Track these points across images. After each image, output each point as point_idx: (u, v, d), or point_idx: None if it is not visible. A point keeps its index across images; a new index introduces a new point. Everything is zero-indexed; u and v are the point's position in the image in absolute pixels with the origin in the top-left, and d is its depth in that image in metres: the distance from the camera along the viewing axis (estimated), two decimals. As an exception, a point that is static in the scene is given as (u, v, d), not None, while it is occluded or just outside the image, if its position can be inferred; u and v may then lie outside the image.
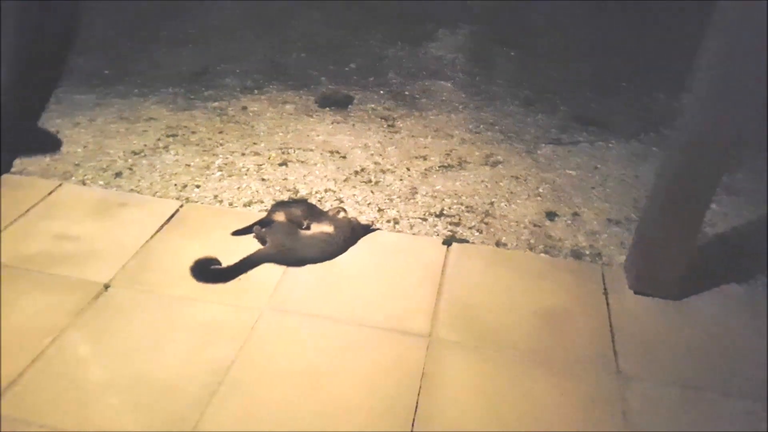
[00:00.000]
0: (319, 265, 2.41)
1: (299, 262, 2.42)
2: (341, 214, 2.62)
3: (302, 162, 3.14)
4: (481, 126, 3.59)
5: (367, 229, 2.63)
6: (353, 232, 2.57)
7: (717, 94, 1.93)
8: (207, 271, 2.33)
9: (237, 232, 2.55)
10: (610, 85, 4.09)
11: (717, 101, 1.93)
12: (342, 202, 2.83)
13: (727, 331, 2.20)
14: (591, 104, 3.90)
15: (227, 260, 2.37)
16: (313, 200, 2.82)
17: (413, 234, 2.64)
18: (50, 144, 3.08)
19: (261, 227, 2.52)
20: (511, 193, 2.96)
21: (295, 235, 2.48)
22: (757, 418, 1.89)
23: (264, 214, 2.64)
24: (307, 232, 2.51)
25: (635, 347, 2.11)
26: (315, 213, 2.62)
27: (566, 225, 2.76)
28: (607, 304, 2.29)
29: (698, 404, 1.92)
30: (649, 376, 2.00)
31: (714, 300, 2.33)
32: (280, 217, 2.55)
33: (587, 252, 2.59)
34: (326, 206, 2.78)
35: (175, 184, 2.88)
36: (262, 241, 2.48)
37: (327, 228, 2.51)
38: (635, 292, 2.34)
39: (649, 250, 2.28)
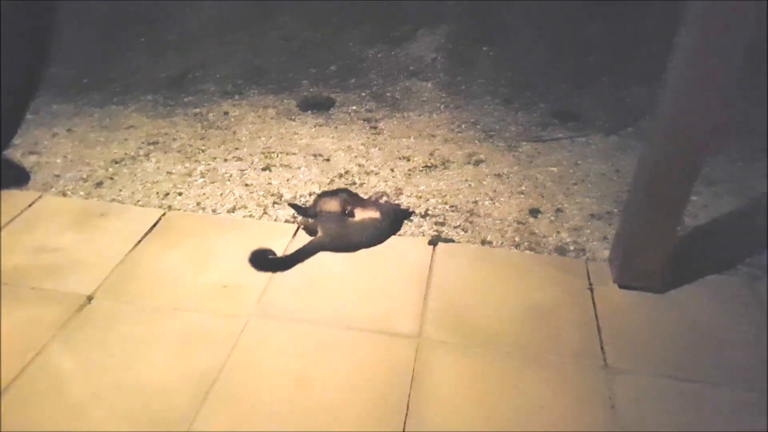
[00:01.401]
0: (305, 269, 2.40)
1: (351, 248, 2.49)
2: (383, 199, 2.71)
3: (286, 166, 3.13)
4: (463, 125, 3.61)
5: (407, 214, 2.73)
6: (396, 216, 2.66)
7: (689, 87, 1.95)
8: (266, 260, 2.39)
9: (294, 206, 2.71)
10: (588, 81, 4.13)
11: (689, 93, 1.96)
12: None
13: (711, 322, 2.23)
14: (569, 100, 3.93)
15: (210, 268, 2.37)
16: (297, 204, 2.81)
17: (399, 235, 2.64)
18: (17, 177, 2.93)
19: (308, 218, 2.60)
20: (495, 191, 2.98)
21: (345, 223, 2.55)
22: (744, 406, 1.92)
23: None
24: (356, 219, 2.57)
25: (622, 340, 2.13)
26: (358, 200, 2.69)
27: (550, 221, 2.78)
28: (593, 298, 2.31)
29: (686, 395, 1.94)
30: (636, 369, 2.02)
31: (698, 291, 2.36)
32: (325, 206, 2.61)
33: (571, 247, 2.61)
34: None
35: (157, 193, 2.86)
36: (312, 232, 2.55)
37: (373, 213, 2.58)
38: (620, 286, 2.36)
39: (631, 243, 2.30)
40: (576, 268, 2.47)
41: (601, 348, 2.10)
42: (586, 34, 4.49)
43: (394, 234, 2.62)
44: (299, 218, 2.65)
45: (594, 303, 2.29)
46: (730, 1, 1.79)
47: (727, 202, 2.96)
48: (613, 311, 2.25)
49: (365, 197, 2.77)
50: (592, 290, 2.35)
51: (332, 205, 2.61)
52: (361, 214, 2.58)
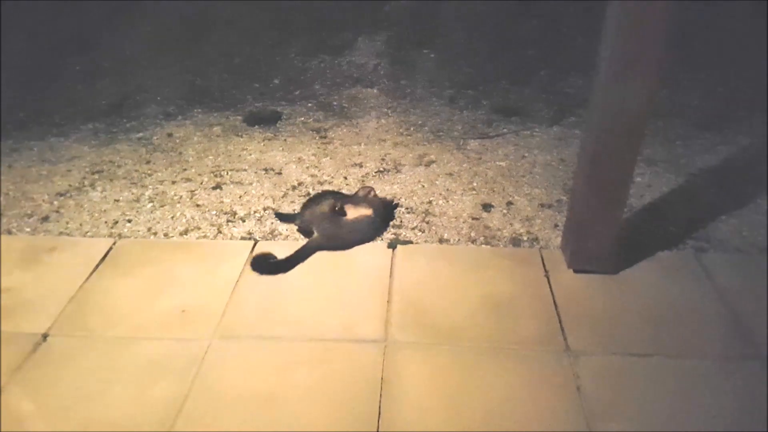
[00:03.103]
0: (264, 285, 2.38)
1: (347, 245, 2.57)
2: (371, 194, 2.75)
3: (237, 183, 3.10)
4: (411, 128, 3.65)
5: (394, 206, 2.84)
6: (386, 209, 2.74)
7: (617, 74, 2.02)
8: (266, 264, 2.45)
9: (279, 215, 2.78)
10: (527, 76, 4.24)
11: (618, 80, 2.03)
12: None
13: (663, 296, 2.31)
14: (511, 96, 4.02)
15: (167, 294, 2.33)
16: (252, 220, 2.79)
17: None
18: None
19: (302, 222, 2.66)
20: (448, 190, 3.02)
21: (339, 222, 2.60)
22: (701, 374, 1.99)
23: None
24: (350, 217, 2.61)
25: (581, 323, 2.19)
26: (347, 198, 2.73)
27: (502, 214, 2.83)
28: (550, 285, 2.37)
29: (648, 370, 2.01)
30: (597, 350, 2.08)
31: (649, 269, 2.44)
32: (316, 208, 2.64)
33: (525, 238, 2.67)
34: (267, 224, 2.76)
35: (106, 222, 2.79)
36: (307, 233, 2.61)
37: (365, 210, 2.64)
38: (574, 271, 2.42)
39: (580, 228, 2.37)
40: (531, 258, 2.53)
41: (562, 332, 2.15)
42: (521, 30, 4.62)
43: (387, 227, 2.71)
44: (297, 222, 2.71)
45: (551, 289, 2.34)
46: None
47: (669, 180, 3.08)
48: (569, 296, 2.31)
49: (354, 194, 2.82)
50: (548, 277, 2.41)
51: (323, 206, 2.65)
52: (353, 212, 2.63)
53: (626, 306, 2.27)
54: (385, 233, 2.69)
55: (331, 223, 2.60)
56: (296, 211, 2.81)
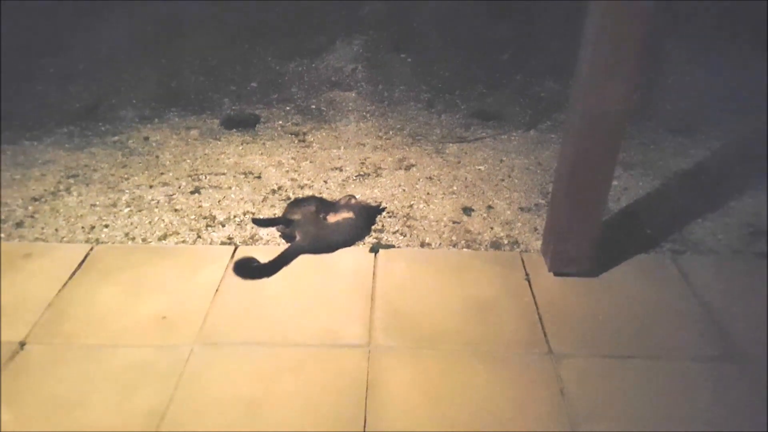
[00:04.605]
0: (247, 290, 2.36)
1: (330, 247, 2.58)
2: (352, 201, 2.78)
3: (215, 187, 3.07)
4: (390, 132, 3.65)
5: (379, 210, 2.87)
6: (369, 213, 2.78)
7: (597, 78, 2.06)
8: (249, 268, 2.44)
9: (257, 221, 2.76)
10: (503, 80, 4.28)
11: (599, 82, 2.06)
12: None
13: (642, 298, 2.36)
14: (487, 100, 4.06)
15: (146, 300, 2.29)
16: (232, 224, 2.76)
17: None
18: None
19: (285, 226, 2.66)
20: (428, 193, 3.04)
21: (322, 224, 2.62)
22: (680, 374, 2.03)
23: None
24: (332, 220, 2.63)
25: (562, 326, 2.22)
26: (329, 205, 2.76)
27: (482, 218, 2.85)
28: (531, 288, 2.40)
29: (629, 371, 2.04)
30: (579, 352, 2.11)
31: (627, 271, 2.49)
32: (297, 214, 2.66)
33: (505, 241, 2.70)
34: (247, 228, 2.74)
35: (83, 227, 2.74)
36: (289, 238, 2.62)
37: (347, 214, 2.66)
38: (555, 274, 2.46)
39: (560, 232, 2.40)
40: (512, 261, 2.55)
41: (544, 335, 2.17)
42: (496, 33, 4.65)
43: (369, 231, 2.71)
44: (279, 227, 2.71)
45: (532, 292, 2.37)
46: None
47: (646, 183, 3.14)
48: (551, 299, 2.34)
49: (336, 201, 2.84)
50: (529, 281, 2.43)
51: (305, 210, 2.67)
52: (335, 218, 2.65)
53: (606, 308, 2.31)
54: (367, 237, 2.69)
55: (314, 226, 2.60)
56: (276, 215, 2.80)
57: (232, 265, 2.46)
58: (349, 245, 2.62)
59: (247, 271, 2.44)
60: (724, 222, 2.82)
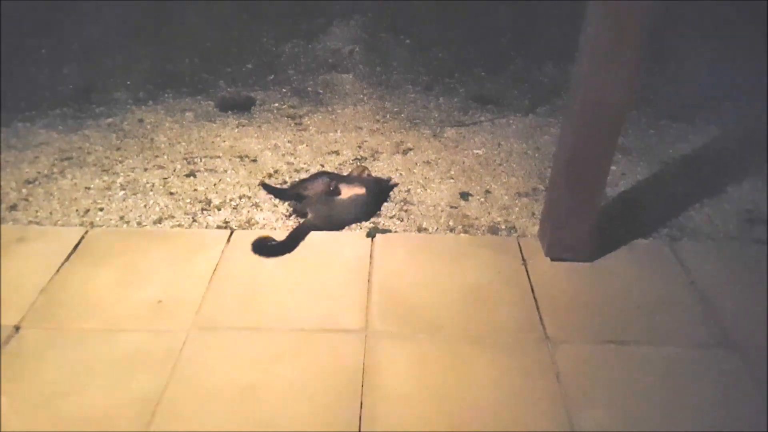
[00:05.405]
0: (243, 274, 2.35)
1: (341, 225, 2.62)
2: (365, 173, 2.81)
3: (211, 170, 3.04)
4: (387, 115, 3.62)
5: (390, 185, 2.87)
6: (380, 189, 2.76)
7: (599, 63, 2.04)
8: (267, 247, 2.45)
9: (266, 186, 2.79)
10: (502, 64, 4.23)
11: (600, 70, 2.04)
12: (258, 206, 2.77)
13: (638, 284, 2.35)
14: (486, 84, 4.02)
15: (142, 285, 2.28)
16: (228, 208, 2.74)
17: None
18: None
19: (297, 203, 2.68)
20: (425, 178, 3.02)
21: (332, 203, 2.63)
22: (676, 361, 2.04)
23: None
24: (343, 197, 2.65)
25: (559, 312, 2.21)
26: (341, 178, 2.76)
27: (480, 203, 2.84)
28: (527, 273, 2.39)
29: (625, 357, 2.04)
30: (575, 338, 2.11)
31: (624, 257, 2.48)
32: (310, 188, 2.67)
33: (502, 226, 2.69)
34: (243, 212, 2.72)
35: (77, 210, 2.71)
36: (302, 214, 2.64)
37: (358, 190, 2.68)
38: (551, 259, 2.45)
39: (558, 217, 2.39)
40: (509, 246, 2.54)
41: (541, 321, 2.17)
42: (496, 17, 4.60)
43: (380, 207, 2.73)
44: (292, 203, 2.72)
45: (529, 278, 2.37)
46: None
47: (643, 169, 3.12)
48: (547, 284, 2.34)
49: (347, 174, 2.85)
50: (525, 266, 2.43)
51: (317, 186, 2.67)
52: (347, 191, 2.66)
53: (602, 294, 2.30)
54: (365, 222, 2.67)
55: (325, 204, 2.62)
56: (285, 186, 2.83)
57: (250, 246, 2.46)
58: (362, 221, 2.65)
59: (265, 249, 2.45)
60: (721, 208, 2.82)
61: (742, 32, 4.21)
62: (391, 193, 2.88)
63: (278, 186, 2.83)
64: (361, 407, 1.84)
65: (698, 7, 4.30)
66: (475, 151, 3.27)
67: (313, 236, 2.56)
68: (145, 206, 2.76)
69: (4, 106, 3.55)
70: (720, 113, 3.64)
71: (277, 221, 2.67)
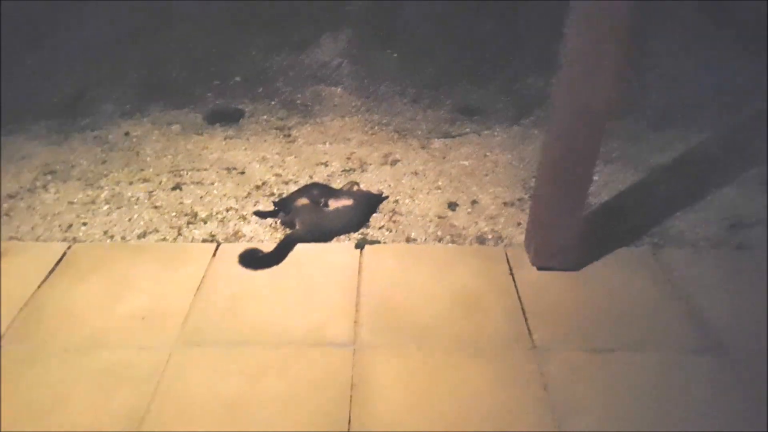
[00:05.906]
0: (229, 288, 2.33)
1: (328, 235, 2.62)
2: (355, 188, 2.82)
3: (197, 183, 3.03)
4: (376, 127, 3.63)
5: (380, 198, 2.89)
6: (370, 201, 2.80)
7: (579, 75, 2.05)
8: (254, 259, 2.44)
9: (259, 213, 2.76)
10: (486, 76, 4.26)
11: (580, 80, 2.06)
12: (245, 219, 2.76)
13: (624, 291, 2.36)
14: (472, 95, 4.04)
15: (126, 300, 2.26)
16: (214, 221, 2.73)
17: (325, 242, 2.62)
18: None
19: (285, 214, 2.70)
20: (413, 188, 3.02)
21: (320, 213, 2.65)
22: (662, 367, 2.04)
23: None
24: (330, 208, 2.68)
25: (546, 320, 2.22)
26: (330, 191, 2.78)
27: (467, 213, 2.85)
28: (514, 282, 2.39)
29: (613, 364, 2.05)
30: (563, 347, 2.11)
31: (609, 265, 2.49)
32: (299, 200, 2.69)
33: (489, 236, 2.69)
34: (230, 225, 2.71)
35: (60, 225, 2.69)
36: (291, 225, 2.65)
37: (346, 201, 2.70)
38: (538, 268, 2.46)
39: (543, 227, 2.40)
40: (496, 256, 2.55)
41: (528, 330, 2.17)
42: (481, 30, 4.64)
43: (368, 219, 2.75)
44: (280, 214, 2.73)
45: (516, 287, 2.37)
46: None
47: (626, 177, 3.14)
48: (534, 293, 2.34)
49: (339, 188, 2.87)
50: (513, 275, 2.43)
51: (307, 198, 2.70)
52: (335, 204, 2.68)
53: (588, 302, 2.31)
54: (353, 233, 2.67)
55: (312, 214, 2.63)
56: (275, 208, 2.80)
57: (237, 258, 2.45)
58: (349, 232, 2.65)
59: (253, 261, 2.44)
60: (703, 216, 2.84)
61: (724, 39, 4.27)
62: (380, 204, 2.88)
63: (269, 210, 2.79)
64: (349, 422, 1.82)
65: (679, 13, 4.36)
66: (461, 161, 3.28)
67: (302, 248, 2.55)
68: (129, 220, 2.74)
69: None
70: (701, 121, 3.68)
71: (265, 233, 2.66)
